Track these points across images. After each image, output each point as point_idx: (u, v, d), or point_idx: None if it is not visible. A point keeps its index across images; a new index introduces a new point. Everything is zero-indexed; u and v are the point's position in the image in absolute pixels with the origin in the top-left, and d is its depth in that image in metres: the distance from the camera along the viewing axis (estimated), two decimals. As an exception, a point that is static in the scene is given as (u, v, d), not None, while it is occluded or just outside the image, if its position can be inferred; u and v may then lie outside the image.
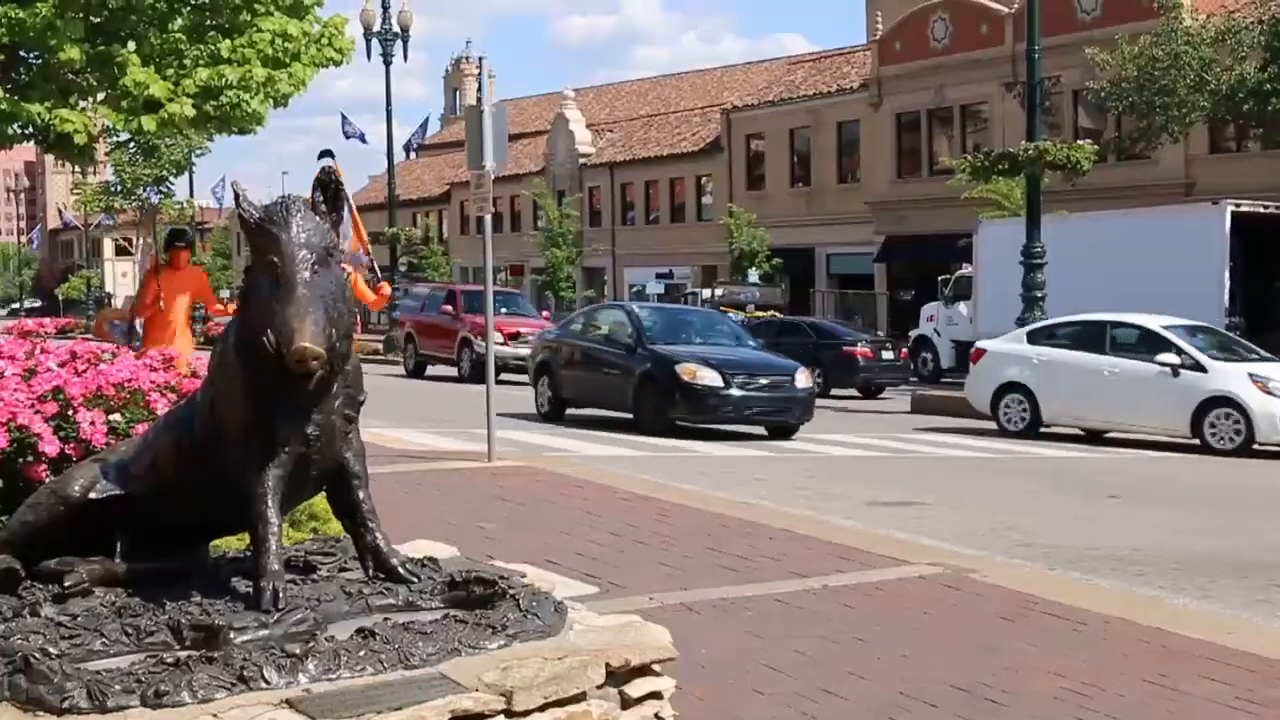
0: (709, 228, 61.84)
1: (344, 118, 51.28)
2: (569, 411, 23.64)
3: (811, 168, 59.58)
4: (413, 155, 56.61)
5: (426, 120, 55.92)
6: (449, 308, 37.05)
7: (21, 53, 17.12)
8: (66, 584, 5.03)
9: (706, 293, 51.01)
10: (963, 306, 36.27)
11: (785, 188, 60.53)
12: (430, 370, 37.48)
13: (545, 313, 50.47)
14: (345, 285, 5.06)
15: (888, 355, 33.87)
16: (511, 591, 5.12)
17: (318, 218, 5.01)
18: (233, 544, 6.29)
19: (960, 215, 41.49)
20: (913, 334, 39.46)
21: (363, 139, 50.92)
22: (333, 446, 5.13)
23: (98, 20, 16.94)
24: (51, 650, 4.38)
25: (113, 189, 47.31)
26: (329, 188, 5.13)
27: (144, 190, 45.67)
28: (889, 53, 54.99)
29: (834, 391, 32.28)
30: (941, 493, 14.78)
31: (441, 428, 20.12)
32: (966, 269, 36.88)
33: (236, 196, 5.10)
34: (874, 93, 55.74)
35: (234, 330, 5.14)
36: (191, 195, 56.61)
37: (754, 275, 54.06)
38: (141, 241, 52.51)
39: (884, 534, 11.49)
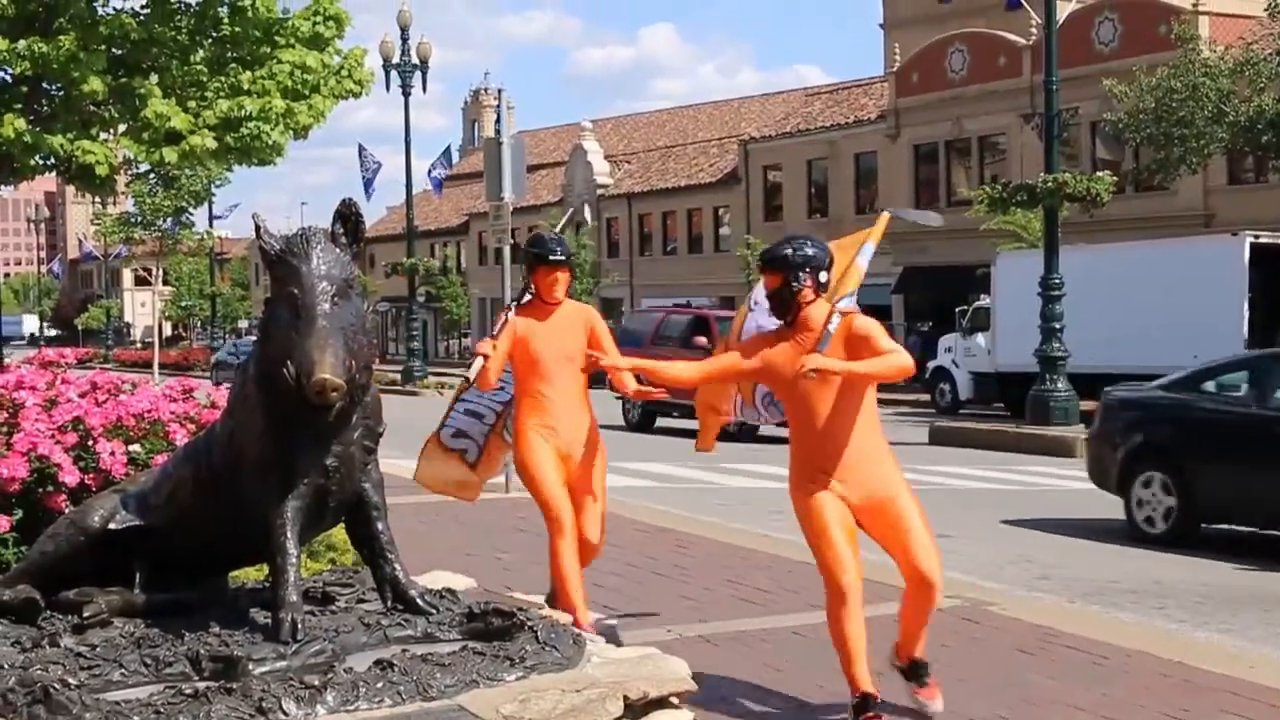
0: (726, 258, 61.85)
1: (361, 149, 51.40)
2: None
3: (829, 198, 59.57)
4: (428, 188, 56.65)
5: (448, 149, 55.93)
6: (701, 339, 28.15)
7: (44, 84, 17.24)
8: (85, 614, 5.04)
9: (725, 324, 50.95)
10: (981, 338, 36.20)
11: (802, 218, 60.51)
12: (661, 421, 28.67)
13: None
14: (365, 317, 5.07)
15: None
16: (529, 623, 5.12)
17: (338, 249, 5.03)
18: (251, 575, 6.30)
19: (978, 246, 41.44)
20: (930, 365, 39.38)
21: (368, 189, 50.64)
22: (351, 478, 5.15)
23: (119, 52, 17.07)
24: (71, 681, 4.39)
25: (132, 220, 47.42)
26: (349, 220, 5.15)
27: (163, 221, 45.75)
28: (906, 84, 55.01)
29: None
30: (960, 525, 14.72)
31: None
32: (984, 300, 36.83)
33: (257, 228, 5.14)
34: (891, 124, 55.77)
35: (253, 361, 5.16)
36: (211, 226, 56.79)
37: (771, 306, 54.07)
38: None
39: (902, 566, 11.44)
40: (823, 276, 6.64)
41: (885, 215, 7.29)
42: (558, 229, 7.99)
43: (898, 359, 6.43)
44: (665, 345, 28.30)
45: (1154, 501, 14.15)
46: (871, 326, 6.52)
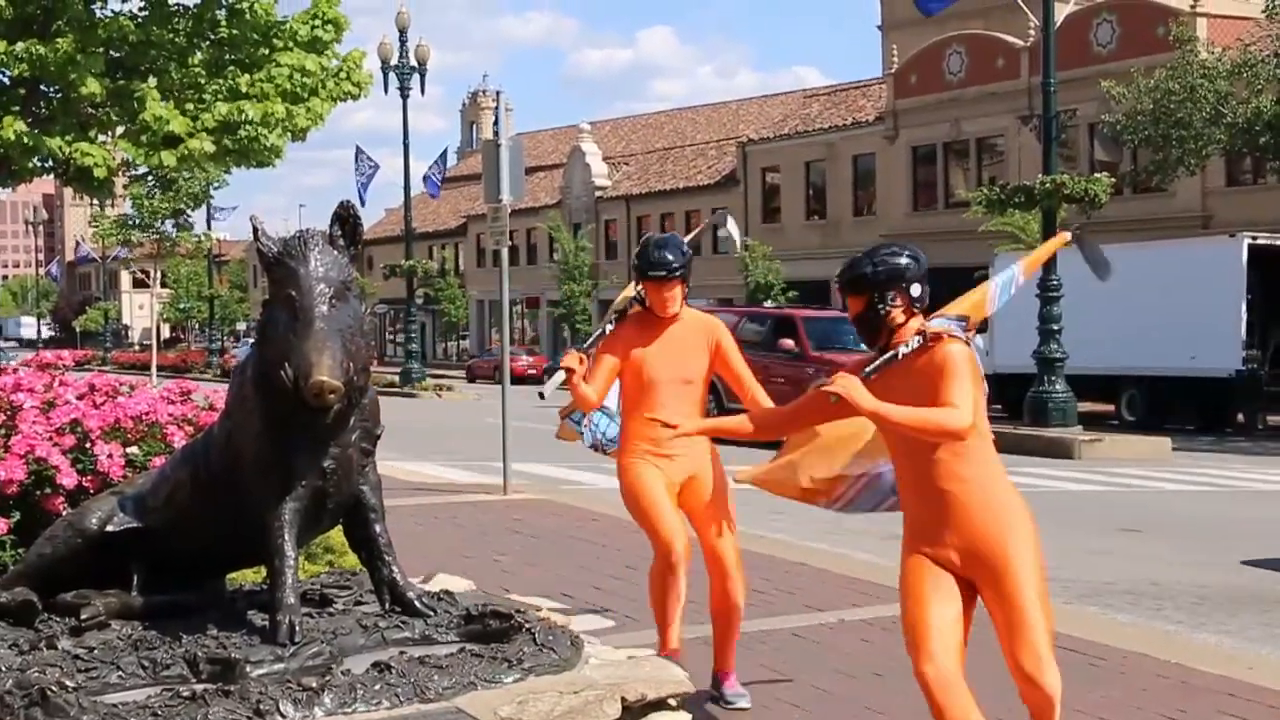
0: (724, 260, 61.83)
1: (359, 152, 51.39)
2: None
3: (827, 200, 59.61)
4: (424, 189, 56.42)
5: (444, 153, 55.93)
6: (788, 342, 27.51)
7: (42, 87, 17.23)
8: (83, 616, 5.05)
9: (723, 325, 50.95)
10: (979, 339, 36.11)
11: (801, 220, 60.57)
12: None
13: None
14: (363, 319, 5.07)
15: None
16: (527, 625, 5.12)
17: (336, 252, 5.04)
18: (249, 577, 6.30)
19: (976, 248, 41.46)
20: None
21: (362, 194, 50.40)
22: (349, 480, 5.15)
23: (118, 55, 17.07)
24: (68, 683, 4.39)
25: (130, 222, 47.52)
26: (347, 222, 5.15)
27: (161, 223, 45.86)
28: (905, 86, 55.07)
29: None
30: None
31: (457, 460, 20.13)
32: (983, 302, 36.84)
33: (255, 230, 5.14)
34: (889, 126, 55.81)
35: (251, 363, 5.16)
36: (209, 228, 56.82)
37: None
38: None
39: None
40: (915, 290, 5.38)
41: (1064, 236, 6.28)
42: (687, 241, 6.90)
43: (947, 418, 5.00)
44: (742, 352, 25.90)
45: None
46: (954, 361, 5.12)
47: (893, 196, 55.73)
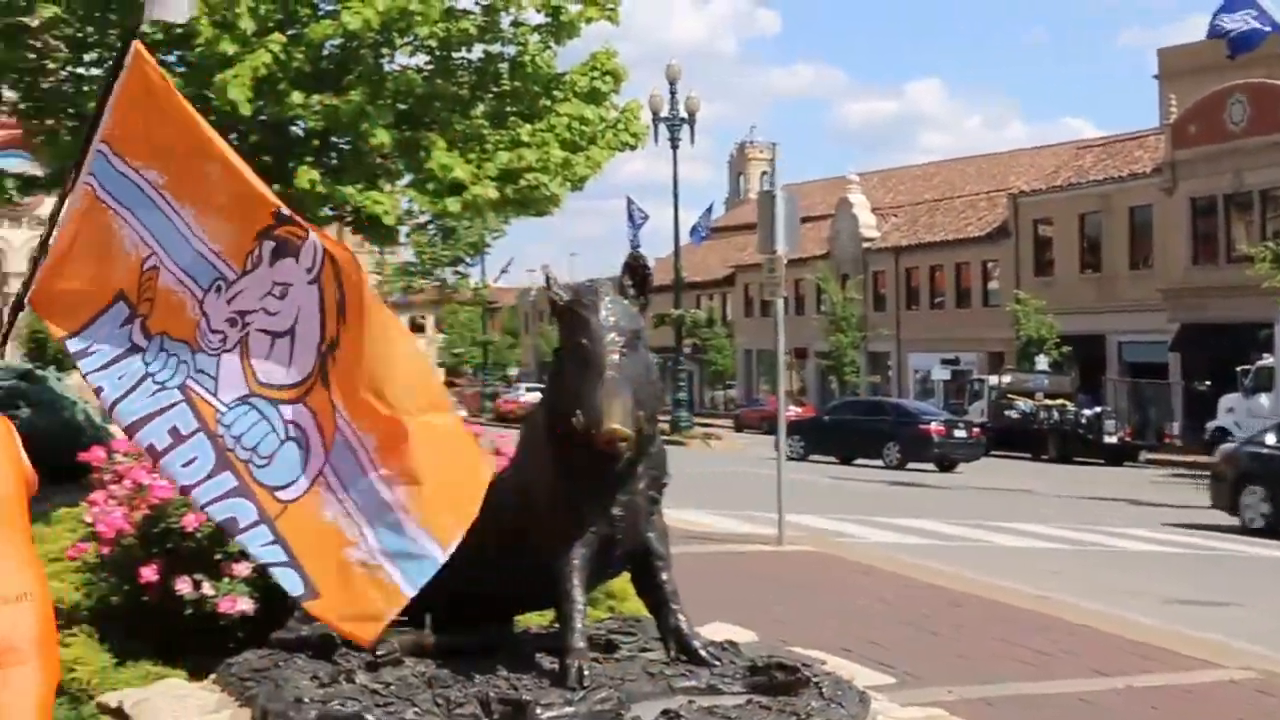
0: (995, 313, 60.90)
1: (630, 202, 52.10)
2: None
3: (1102, 253, 58.25)
4: (699, 240, 56.83)
5: (711, 207, 56.43)
6: None
7: (333, 138, 17.85)
8: (379, 653, 5.16)
9: (994, 379, 50.32)
10: (1264, 398, 34.95)
11: (1075, 273, 59.27)
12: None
13: None
14: (652, 368, 5.10)
15: (960, 434, 37.32)
16: (814, 679, 5.07)
17: (626, 301, 5.07)
18: (533, 620, 6.38)
19: (1261, 304, 39.93)
20: (1211, 426, 38.10)
21: (634, 235, 50.94)
22: (637, 527, 5.18)
23: (404, 107, 17.59)
24: (368, 717, 4.51)
25: (411, 269, 48.98)
26: (638, 272, 5.19)
27: (441, 270, 47.25)
28: (1183, 136, 53.56)
29: (910, 466, 35.73)
30: (1245, 592, 14.15)
31: (729, 509, 20.14)
32: (1268, 360, 35.54)
33: (547, 280, 5.22)
34: (1168, 177, 54.31)
35: (543, 410, 5.24)
36: (484, 276, 58.14)
37: (1043, 363, 52.95)
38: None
39: (1188, 634, 11.04)
40: None
41: None
42: None
43: None
44: None
45: None
46: None
47: (1171, 250, 54.16)
